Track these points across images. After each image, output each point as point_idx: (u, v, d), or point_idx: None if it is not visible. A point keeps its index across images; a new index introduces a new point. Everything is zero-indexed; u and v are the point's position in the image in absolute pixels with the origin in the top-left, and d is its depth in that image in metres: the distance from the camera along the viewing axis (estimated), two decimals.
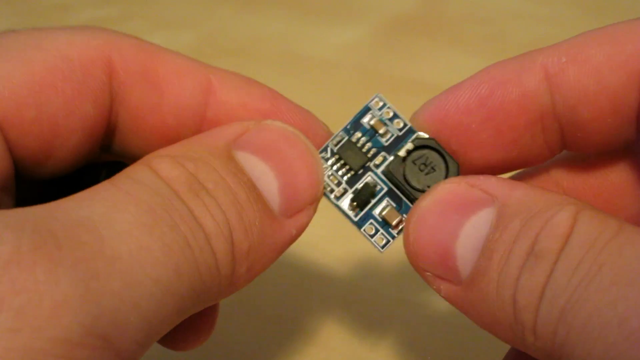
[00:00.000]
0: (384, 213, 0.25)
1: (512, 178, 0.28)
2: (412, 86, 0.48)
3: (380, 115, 0.25)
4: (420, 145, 0.25)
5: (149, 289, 0.18)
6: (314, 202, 0.23)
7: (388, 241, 0.25)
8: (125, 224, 0.19)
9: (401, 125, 0.25)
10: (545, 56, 0.24)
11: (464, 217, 0.21)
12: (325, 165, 0.25)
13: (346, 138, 0.25)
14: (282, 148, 0.23)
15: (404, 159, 0.25)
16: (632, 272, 0.18)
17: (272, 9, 0.55)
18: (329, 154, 0.25)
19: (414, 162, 0.25)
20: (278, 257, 0.23)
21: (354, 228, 0.25)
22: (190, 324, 0.26)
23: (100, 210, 0.19)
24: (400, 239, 0.24)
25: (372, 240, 0.25)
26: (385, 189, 0.25)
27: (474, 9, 0.54)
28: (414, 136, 0.25)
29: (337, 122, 0.27)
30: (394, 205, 0.25)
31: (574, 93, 0.23)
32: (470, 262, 0.21)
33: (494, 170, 0.25)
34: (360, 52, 0.51)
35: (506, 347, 0.26)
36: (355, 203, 0.25)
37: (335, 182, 0.25)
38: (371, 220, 0.25)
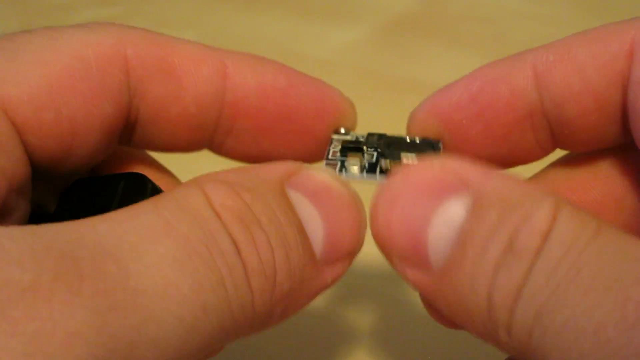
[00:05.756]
0: (351, 152, 0.25)
1: None
2: (412, 86, 0.48)
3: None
4: (426, 142, 0.25)
5: (171, 326, 0.18)
6: (352, 255, 0.23)
7: (335, 169, 0.25)
8: (156, 257, 0.18)
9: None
10: (534, 55, 0.24)
11: (436, 202, 0.21)
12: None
13: (384, 134, 0.26)
14: (332, 196, 0.22)
15: (403, 140, 0.25)
16: (609, 279, 0.17)
17: (272, 9, 0.55)
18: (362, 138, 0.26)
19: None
20: (309, 303, 0.22)
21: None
22: None
23: (133, 239, 0.18)
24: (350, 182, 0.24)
25: (327, 158, 0.25)
26: (374, 158, 0.25)
27: (474, 9, 0.54)
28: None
29: None
30: (365, 164, 0.25)
31: (560, 91, 0.24)
32: (442, 252, 0.20)
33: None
34: (360, 52, 0.51)
35: None
36: (341, 147, 0.26)
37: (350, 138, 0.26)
38: (340, 160, 0.25)
